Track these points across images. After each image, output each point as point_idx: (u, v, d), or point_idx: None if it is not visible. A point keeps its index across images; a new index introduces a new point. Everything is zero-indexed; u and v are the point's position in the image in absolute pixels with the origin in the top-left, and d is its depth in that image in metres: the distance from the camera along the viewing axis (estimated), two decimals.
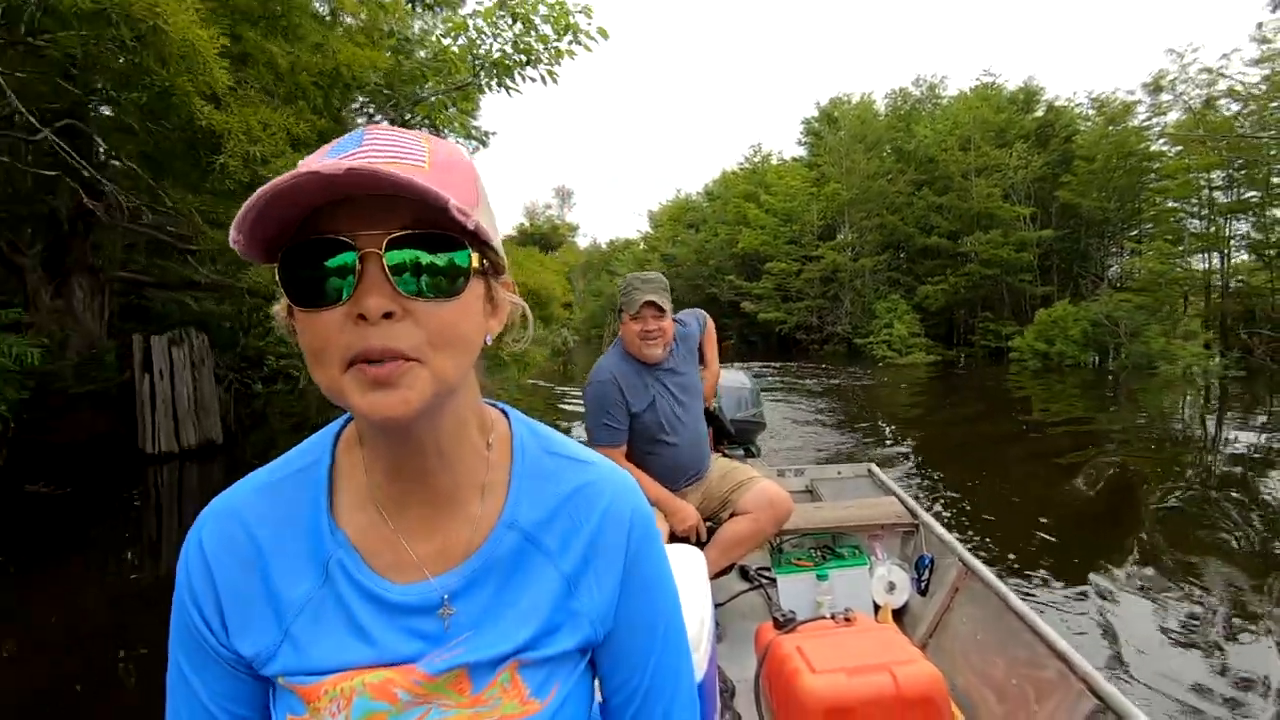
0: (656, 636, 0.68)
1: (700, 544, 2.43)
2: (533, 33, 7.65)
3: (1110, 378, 15.68)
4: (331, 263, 0.50)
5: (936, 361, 21.60)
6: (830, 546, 2.75)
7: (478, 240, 0.53)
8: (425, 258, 0.50)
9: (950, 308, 23.67)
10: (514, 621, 0.61)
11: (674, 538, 2.44)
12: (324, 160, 0.49)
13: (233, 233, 0.49)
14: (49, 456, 6.53)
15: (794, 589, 2.54)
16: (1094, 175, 20.19)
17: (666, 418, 2.50)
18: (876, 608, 2.59)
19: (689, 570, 1.61)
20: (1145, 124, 19.82)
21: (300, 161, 0.49)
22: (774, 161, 34.63)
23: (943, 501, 5.76)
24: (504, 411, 0.68)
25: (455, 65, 7.89)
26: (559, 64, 7.93)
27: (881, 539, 2.82)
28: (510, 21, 7.67)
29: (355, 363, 0.50)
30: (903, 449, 8.25)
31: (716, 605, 2.17)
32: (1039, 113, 24.63)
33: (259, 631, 0.59)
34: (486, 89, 8.38)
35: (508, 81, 8.08)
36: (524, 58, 7.81)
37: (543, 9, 7.60)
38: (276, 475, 0.63)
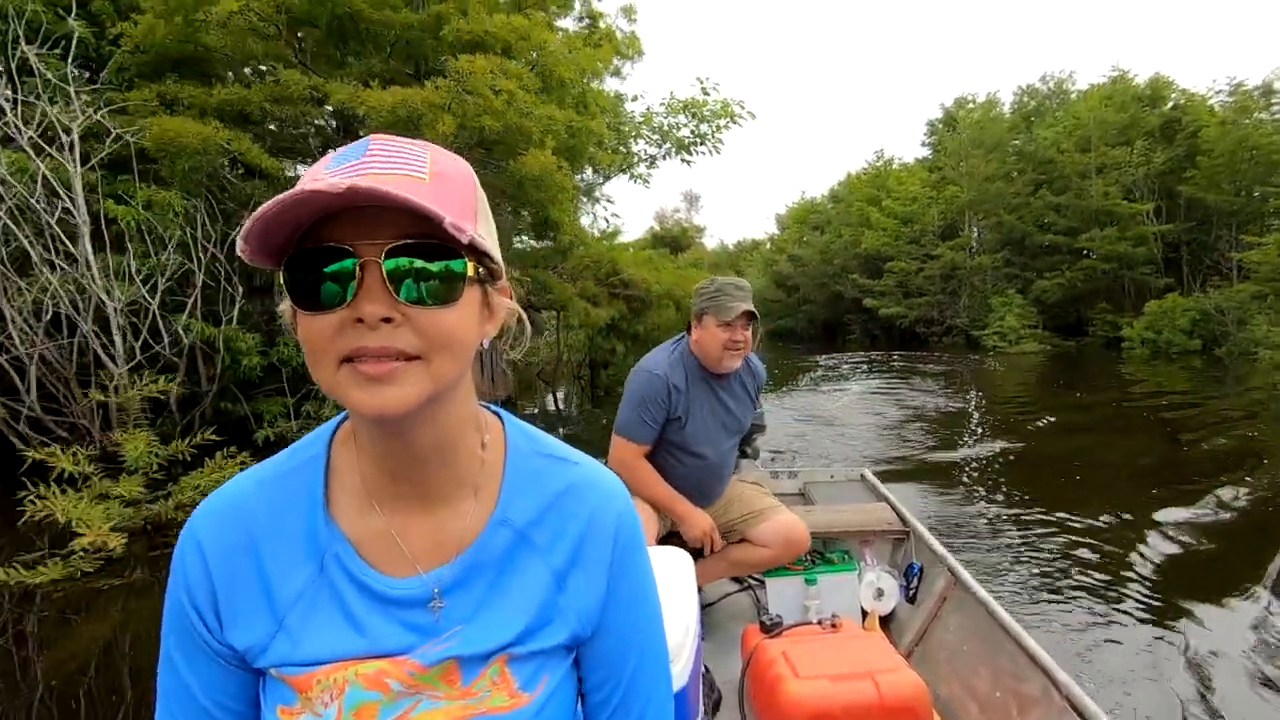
0: (637, 638, 0.69)
1: (700, 553, 2.39)
2: (705, 124, 11.32)
3: (1216, 364, 16.83)
4: (332, 269, 0.51)
5: (1049, 350, 23.07)
6: (820, 551, 2.70)
7: (474, 249, 0.55)
8: (422, 266, 0.52)
9: (1069, 301, 24.88)
10: (505, 616, 0.63)
11: (668, 540, 2.44)
12: (328, 171, 0.53)
13: (240, 243, 0.51)
14: None
15: (782, 592, 2.53)
16: (1219, 168, 20.92)
17: (703, 435, 2.40)
18: (864, 614, 2.57)
19: (675, 573, 1.59)
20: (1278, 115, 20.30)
21: (306, 172, 0.53)
22: (895, 166, 36.29)
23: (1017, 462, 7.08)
24: (498, 414, 0.70)
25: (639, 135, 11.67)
26: (721, 141, 11.55)
27: (872, 545, 2.78)
28: (689, 118, 11.39)
29: (350, 359, 0.52)
30: (997, 418, 9.63)
31: (705, 605, 2.10)
32: (1166, 107, 25.13)
33: (253, 624, 0.60)
34: (668, 157, 12.15)
35: (684, 155, 11.81)
36: (699, 140, 11.50)
37: (711, 106, 11.27)
38: (272, 471, 0.65)
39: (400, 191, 0.49)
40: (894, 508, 2.90)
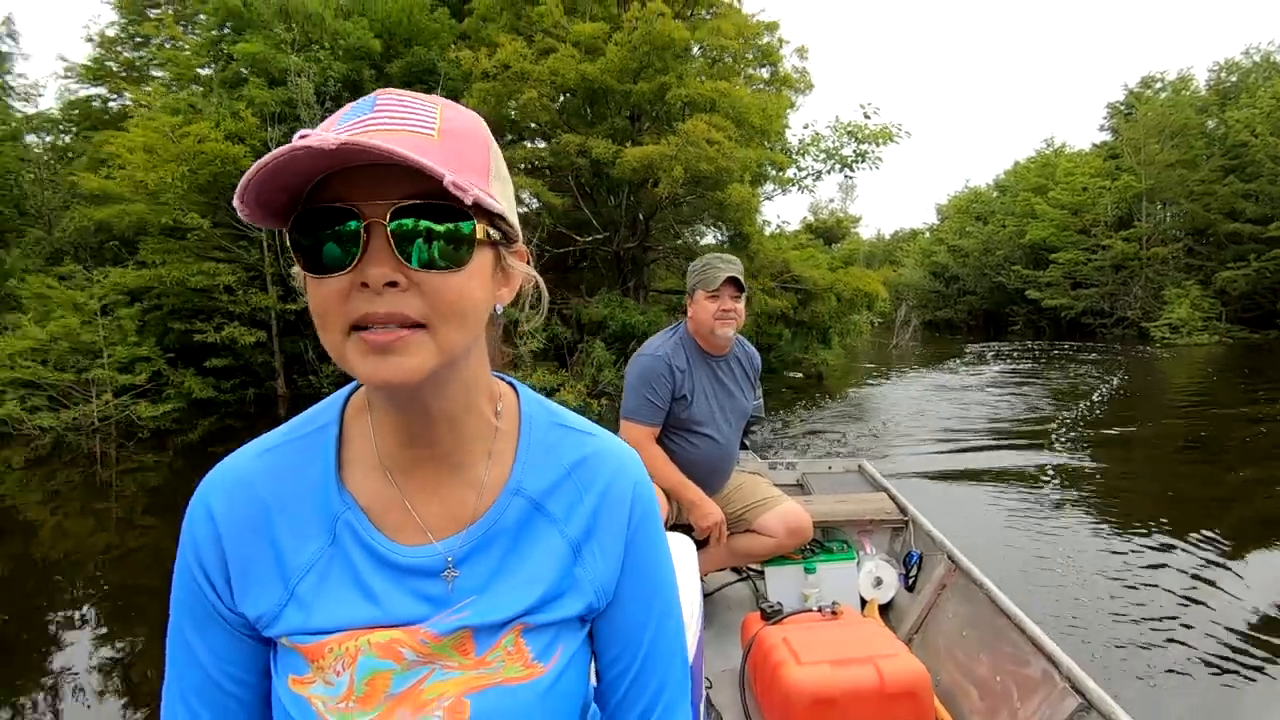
0: (654, 612, 0.68)
1: (702, 542, 2.39)
2: (867, 144, 13.49)
3: None
4: (338, 230, 0.50)
5: (1230, 343, 22.26)
6: (819, 540, 2.70)
7: (485, 210, 0.53)
8: (429, 227, 0.50)
9: (1259, 292, 23.65)
10: (519, 586, 0.61)
11: (677, 528, 2.43)
12: (333, 127, 0.51)
13: (235, 201, 0.49)
14: None
15: (782, 581, 2.53)
16: None
17: (708, 414, 2.41)
18: (864, 602, 2.57)
19: (679, 559, 1.53)
20: None
21: (301, 130, 0.49)
22: (1066, 153, 35.06)
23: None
24: (512, 384, 0.69)
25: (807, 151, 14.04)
26: (880, 159, 13.65)
27: (871, 534, 2.79)
28: (850, 139, 13.62)
29: (357, 328, 0.51)
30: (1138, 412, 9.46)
31: (703, 595, 2.13)
32: None
33: (264, 592, 0.60)
34: (832, 172, 14.41)
35: (846, 170, 14.03)
36: (860, 158, 13.70)
37: (870, 129, 13.42)
38: (285, 439, 0.64)
39: (401, 149, 0.46)
40: (893, 497, 2.92)
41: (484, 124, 0.58)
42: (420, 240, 0.50)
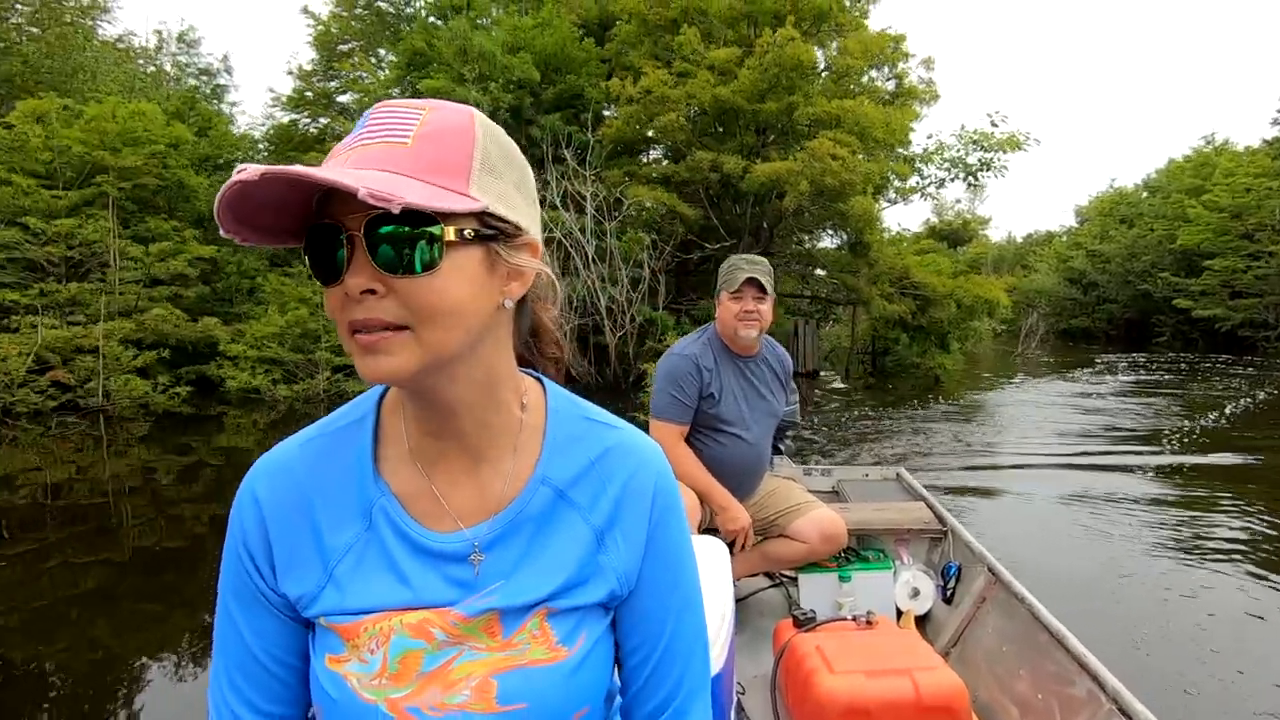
0: (675, 601, 0.70)
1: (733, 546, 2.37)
2: (993, 153, 13.70)
3: None
4: (330, 245, 0.54)
5: None
6: (855, 549, 2.66)
7: (469, 212, 0.54)
8: (398, 234, 0.52)
9: None
10: (544, 571, 0.64)
11: (707, 531, 2.42)
12: (342, 144, 0.55)
13: (220, 226, 0.52)
14: None
15: (815, 588, 2.49)
16: None
17: (736, 413, 2.42)
18: (899, 613, 2.53)
19: (712, 562, 1.57)
20: None
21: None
22: (1229, 151, 32.15)
23: None
24: (540, 379, 0.71)
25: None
26: (1006, 167, 13.80)
27: (908, 544, 2.73)
28: (975, 148, 13.86)
29: (355, 331, 0.55)
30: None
31: (736, 600, 2.09)
32: None
33: (304, 574, 0.63)
34: (955, 179, 14.67)
35: (971, 179, 14.27)
36: (985, 166, 13.92)
37: (996, 137, 13.62)
38: (325, 430, 0.68)
39: (319, 171, 0.49)
40: (931, 507, 2.87)
41: (476, 119, 0.58)
42: (392, 247, 0.52)
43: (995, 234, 56.94)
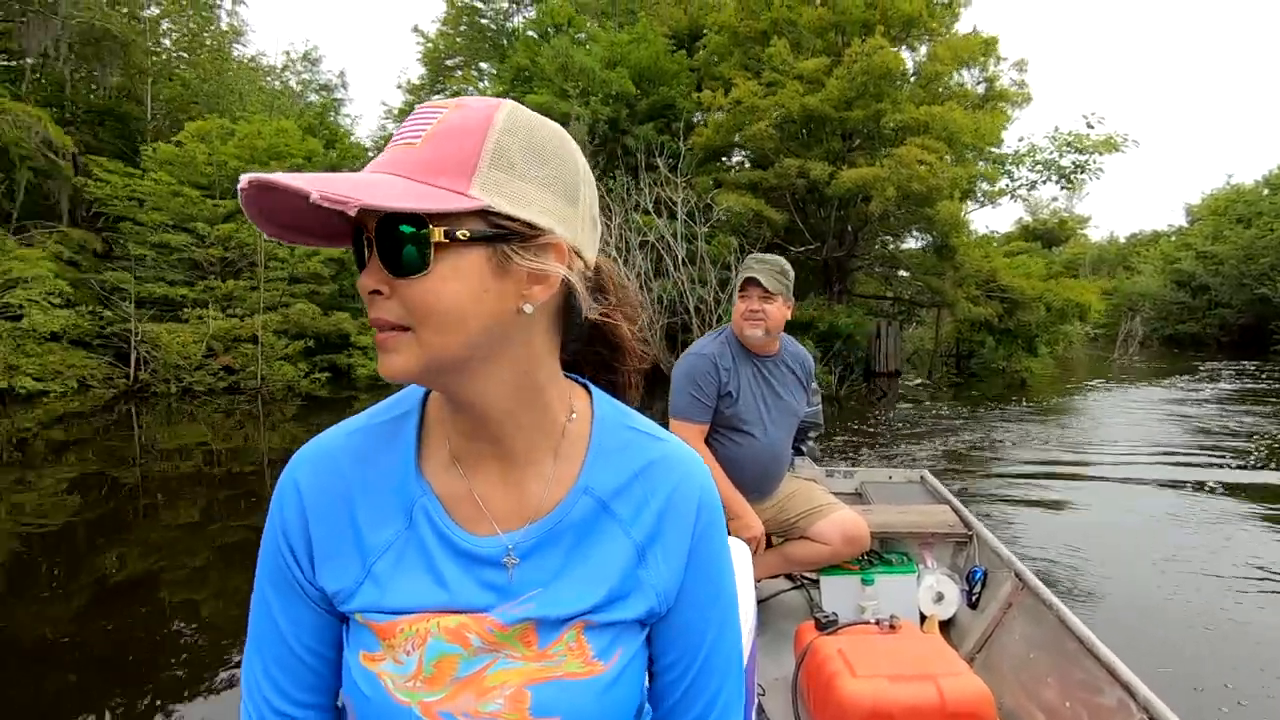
0: (714, 619, 0.69)
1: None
2: (1088, 155, 13.55)
3: None
4: (358, 247, 0.56)
5: None
6: (877, 552, 2.64)
7: (473, 212, 0.52)
8: (396, 236, 0.52)
9: None
10: (583, 583, 0.63)
11: None
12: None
13: (263, 231, 0.54)
14: None
15: (837, 591, 2.49)
16: None
17: (753, 413, 2.41)
18: (922, 618, 2.52)
19: (733, 563, 1.63)
20: None
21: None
22: None
23: None
24: (586, 386, 0.70)
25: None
26: (1101, 169, 13.61)
27: (932, 547, 2.71)
28: (1069, 150, 13.73)
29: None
30: None
31: (756, 601, 2.05)
32: None
33: (343, 568, 0.62)
34: (1048, 182, 14.54)
35: (1065, 182, 14.13)
36: (1079, 169, 13.78)
37: (1092, 139, 13.46)
38: (370, 422, 0.67)
39: (382, 168, 0.52)
40: (956, 510, 2.85)
41: (500, 115, 0.55)
42: (391, 249, 0.52)
43: (1095, 233, 53.90)
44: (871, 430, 9.21)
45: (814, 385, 2.64)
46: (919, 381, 15.26)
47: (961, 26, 14.32)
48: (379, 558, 0.62)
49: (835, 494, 2.67)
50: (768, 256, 2.42)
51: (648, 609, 0.64)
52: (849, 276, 15.13)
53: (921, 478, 3.39)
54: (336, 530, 0.63)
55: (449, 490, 0.63)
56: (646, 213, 12.31)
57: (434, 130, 0.54)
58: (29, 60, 13.76)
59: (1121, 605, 3.68)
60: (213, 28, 19.55)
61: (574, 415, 0.66)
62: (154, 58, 16.69)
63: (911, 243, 15.43)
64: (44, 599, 3.74)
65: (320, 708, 0.67)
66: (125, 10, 15.52)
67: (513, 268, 0.55)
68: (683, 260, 12.14)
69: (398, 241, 0.52)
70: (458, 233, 0.52)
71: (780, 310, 2.36)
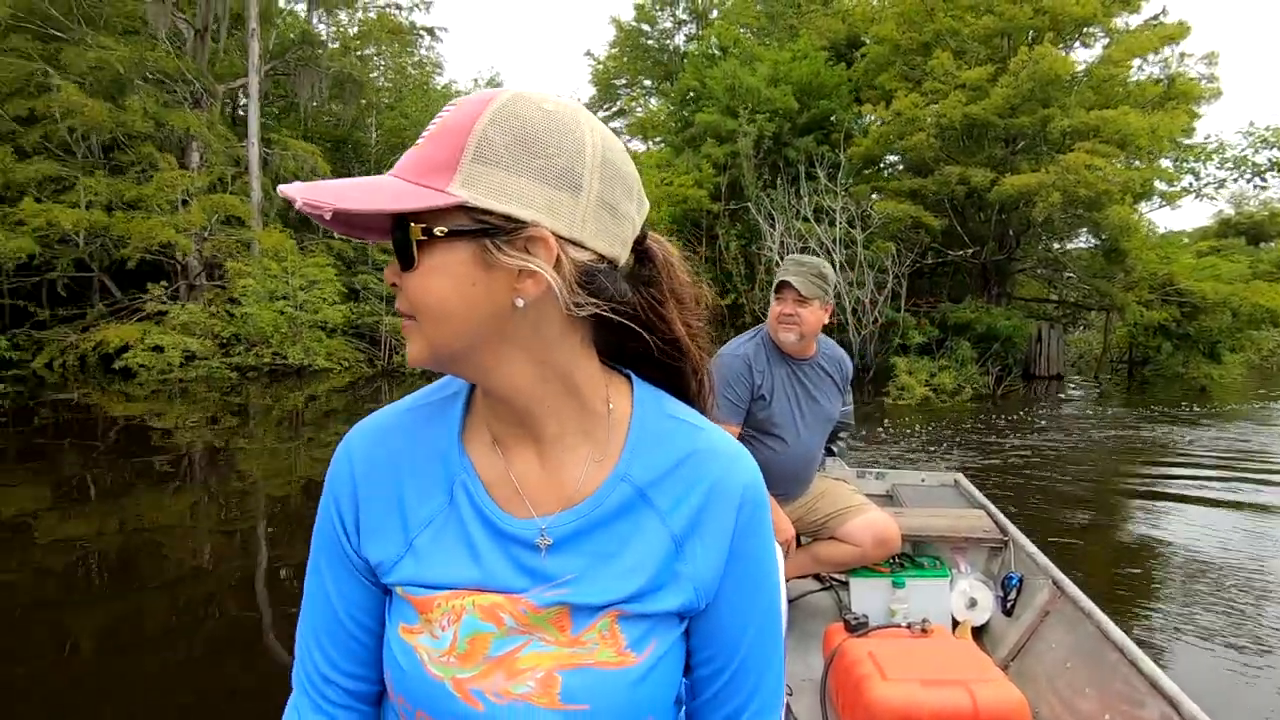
0: (755, 615, 0.68)
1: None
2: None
3: None
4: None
5: None
6: (908, 555, 2.61)
7: (458, 207, 0.52)
8: (396, 236, 0.55)
9: None
10: (619, 572, 0.62)
11: None
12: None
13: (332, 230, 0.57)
14: None
15: (867, 594, 2.44)
16: None
17: (785, 416, 2.40)
18: (955, 623, 2.48)
19: None
20: None
21: None
22: None
23: None
24: (628, 375, 0.69)
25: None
26: None
27: (965, 552, 2.66)
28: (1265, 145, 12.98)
29: None
30: None
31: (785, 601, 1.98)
32: None
33: (386, 541, 0.64)
34: (1238, 180, 13.77)
35: (1259, 180, 13.39)
36: (1276, 166, 13.02)
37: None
38: (421, 401, 0.69)
39: (393, 172, 0.55)
40: (991, 515, 2.81)
41: (490, 108, 0.54)
42: (395, 246, 0.55)
43: None
44: (1019, 431, 9.48)
45: (847, 387, 2.65)
46: (1083, 386, 14.97)
47: (1147, 10, 13.64)
48: (420, 532, 0.63)
49: (867, 495, 2.66)
50: (806, 259, 2.40)
51: (684, 603, 0.63)
52: (1009, 279, 15.15)
53: (955, 481, 3.35)
54: (383, 503, 0.64)
55: (489, 470, 0.64)
56: (806, 220, 13.25)
57: (434, 130, 0.55)
58: (299, 102, 17.15)
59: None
60: (415, 59, 22.63)
61: (611, 400, 0.65)
62: (378, 94, 19.82)
63: (1080, 243, 15.14)
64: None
65: (366, 680, 0.68)
66: (358, 55, 18.66)
67: (498, 262, 0.54)
68: (841, 265, 12.95)
69: (395, 240, 0.55)
70: (435, 230, 0.53)
71: (816, 314, 2.33)
